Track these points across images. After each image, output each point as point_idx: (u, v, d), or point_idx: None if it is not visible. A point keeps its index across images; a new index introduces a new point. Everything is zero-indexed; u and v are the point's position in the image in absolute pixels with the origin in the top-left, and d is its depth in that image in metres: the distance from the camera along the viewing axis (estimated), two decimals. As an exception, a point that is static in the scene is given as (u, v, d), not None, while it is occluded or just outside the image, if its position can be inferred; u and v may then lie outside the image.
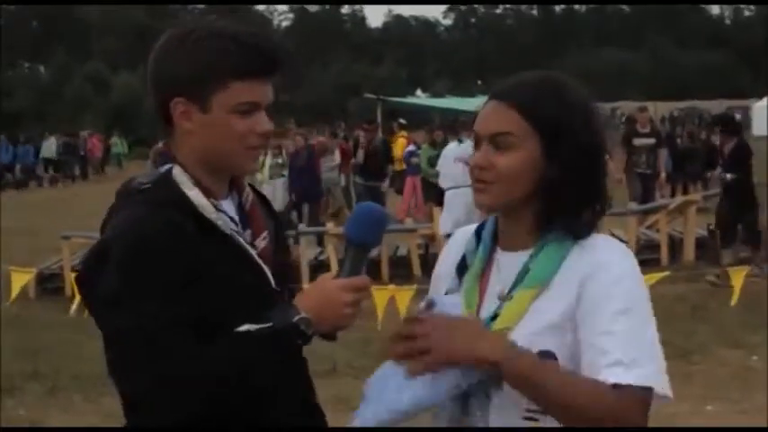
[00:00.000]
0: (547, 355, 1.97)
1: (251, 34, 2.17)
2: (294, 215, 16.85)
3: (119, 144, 44.24)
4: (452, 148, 13.71)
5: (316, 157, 17.72)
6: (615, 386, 1.91)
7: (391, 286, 9.83)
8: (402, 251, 13.54)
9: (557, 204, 2.05)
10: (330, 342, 2.23)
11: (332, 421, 6.93)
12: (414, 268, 12.89)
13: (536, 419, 2.00)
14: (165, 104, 2.15)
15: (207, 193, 2.15)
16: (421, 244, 13.57)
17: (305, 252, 12.84)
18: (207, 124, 2.14)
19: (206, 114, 2.13)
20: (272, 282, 2.21)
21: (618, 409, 1.92)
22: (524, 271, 2.06)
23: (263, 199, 2.39)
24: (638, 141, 16.37)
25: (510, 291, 2.06)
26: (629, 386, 1.92)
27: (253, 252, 2.18)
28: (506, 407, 2.01)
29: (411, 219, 16.08)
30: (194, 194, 2.13)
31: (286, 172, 18.15)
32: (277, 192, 18.25)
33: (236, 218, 2.21)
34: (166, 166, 2.17)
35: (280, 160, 18.36)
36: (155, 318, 1.98)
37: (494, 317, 2.05)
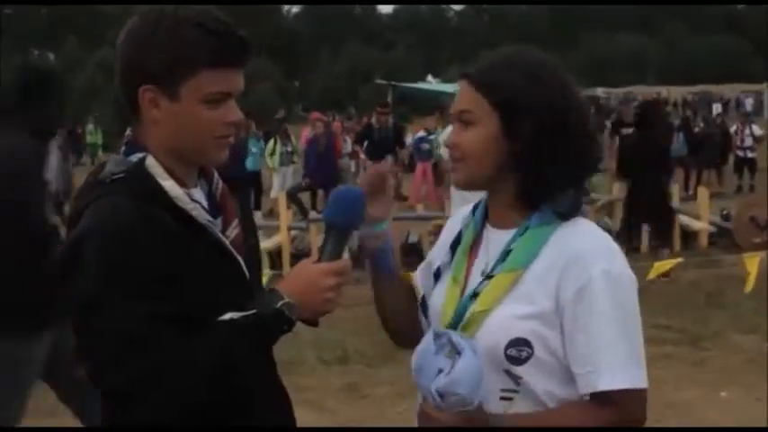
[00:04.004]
0: (521, 343, 2.00)
1: (222, 22, 2.12)
2: (301, 198, 16.80)
3: (94, 133, 39.88)
4: None
5: (335, 144, 17.61)
6: (594, 395, 2.01)
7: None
8: (413, 238, 13.49)
9: (527, 181, 2.08)
10: (313, 327, 2.22)
11: (344, 408, 6.95)
12: (425, 255, 12.83)
13: (511, 398, 2.05)
14: (132, 91, 2.10)
15: (179, 182, 2.12)
16: (432, 231, 13.51)
17: (315, 238, 12.79)
18: (175, 113, 2.09)
19: (174, 103, 2.09)
20: (246, 271, 2.20)
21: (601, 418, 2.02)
22: (506, 252, 2.09)
23: (230, 185, 2.34)
24: (624, 131, 16.54)
25: (491, 270, 2.10)
26: (604, 393, 1.99)
27: (227, 242, 2.16)
28: (484, 389, 2.05)
29: (422, 205, 16.02)
30: (170, 185, 2.09)
31: (296, 159, 18.09)
32: (287, 179, 18.25)
33: (207, 207, 2.19)
34: (138, 155, 2.12)
35: (289, 148, 18.33)
36: (138, 317, 1.93)
37: (474, 295, 2.09)
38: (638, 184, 11.33)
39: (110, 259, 1.95)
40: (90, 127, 40.41)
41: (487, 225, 2.19)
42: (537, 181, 2.07)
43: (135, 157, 2.12)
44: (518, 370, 2.01)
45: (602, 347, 1.97)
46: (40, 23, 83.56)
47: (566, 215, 2.08)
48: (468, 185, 2.16)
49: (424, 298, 2.26)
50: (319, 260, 2.16)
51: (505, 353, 2.00)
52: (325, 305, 2.12)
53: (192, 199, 2.12)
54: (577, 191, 2.11)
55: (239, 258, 2.19)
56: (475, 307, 2.07)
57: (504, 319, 2.02)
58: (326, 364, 7.86)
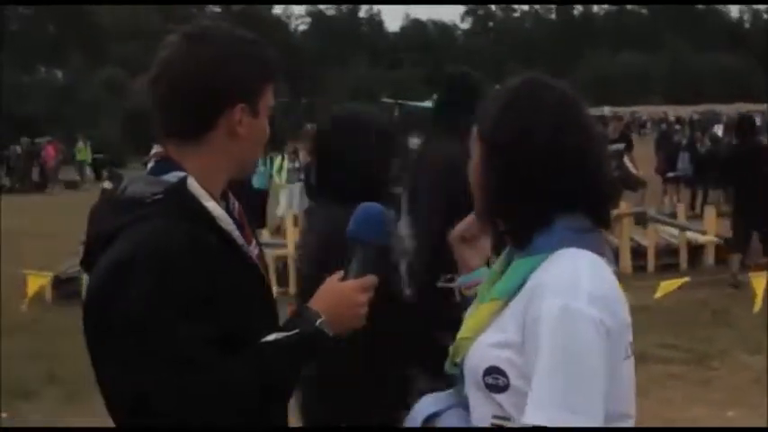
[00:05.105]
0: (496, 371, 1.97)
1: (263, 38, 2.19)
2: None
3: (83, 150, 39.66)
4: None
5: None
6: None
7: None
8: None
9: (500, 211, 2.08)
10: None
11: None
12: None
13: (502, 425, 2.01)
14: (214, 109, 2.09)
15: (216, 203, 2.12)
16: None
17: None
18: (255, 128, 2.14)
19: (255, 119, 2.14)
20: (271, 290, 2.23)
21: None
22: (498, 280, 2.09)
23: (245, 203, 2.35)
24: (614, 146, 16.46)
25: (483, 300, 2.09)
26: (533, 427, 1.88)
27: (258, 263, 2.18)
28: (474, 413, 2.05)
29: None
30: (212, 206, 2.07)
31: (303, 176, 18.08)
32: (294, 196, 18.24)
33: None
34: (175, 174, 2.08)
35: (297, 164, 18.32)
36: (188, 340, 1.91)
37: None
38: (745, 193, 11.58)
39: (159, 282, 1.91)
40: (79, 144, 40.06)
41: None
42: (509, 211, 2.05)
43: (172, 177, 2.08)
44: (498, 398, 1.98)
45: (534, 382, 1.89)
46: (45, 40, 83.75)
47: (556, 246, 2.00)
48: (475, 212, 2.18)
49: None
50: (345, 277, 2.19)
51: (484, 380, 1.99)
52: (358, 320, 2.17)
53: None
54: (572, 221, 2.02)
55: (267, 277, 2.21)
56: (461, 333, 2.08)
57: (482, 348, 2.00)
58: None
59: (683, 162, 21.27)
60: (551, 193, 2.01)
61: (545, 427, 1.84)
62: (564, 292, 1.90)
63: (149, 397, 1.93)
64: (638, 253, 13.24)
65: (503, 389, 1.97)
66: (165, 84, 2.10)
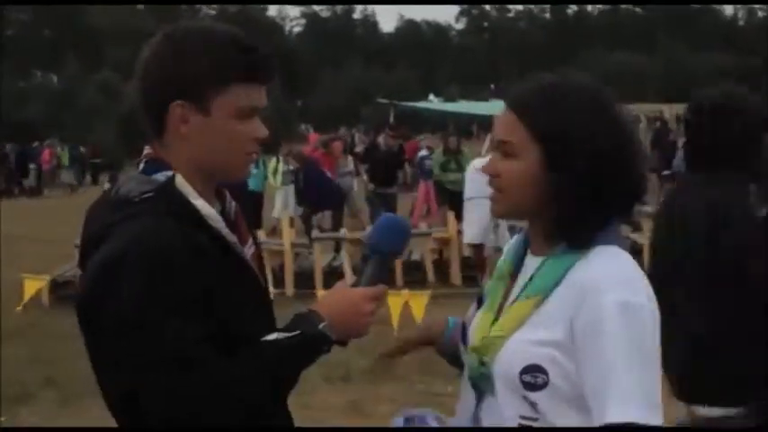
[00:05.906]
0: (536, 369, 1.96)
1: (252, 38, 2.13)
2: (315, 220, 16.81)
3: (61, 154, 39.91)
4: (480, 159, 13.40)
5: (331, 165, 17.57)
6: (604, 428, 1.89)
7: (405, 291, 9.75)
8: (416, 256, 13.48)
9: (565, 214, 2.02)
10: (342, 347, 2.21)
11: (347, 426, 6.83)
12: (428, 273, 12.83)
13: (530, 426, 2.00)
14: (162, 107, 2.07)
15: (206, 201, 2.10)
16: (435, 249, 13.51)
17: (319, 258, 12.79)
18: (206, 128, 2.07)
19: (205, 118, 2.07)
20: (269, 291, 2.22)
21: None
22: (530, 279, 2.07)
23: (241, 205, 2.33)
24: None
25: (516, 296, 2.07)
26: (612, 426, 1.88)
27: (251, 262, 2.16)
28: (501, 414, 2.03)
29: (425, 223, 16.02)
30: (201, 204, 2.06)
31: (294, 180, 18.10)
32: (289, 198, 18.24)
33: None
34: (164, 173, 2.08)
35: (291, 167, 18.32)
36: (182, 339, 1.90)
37: (496, 320, 2.08)
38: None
39: (149, 280, 1.91)
40: (57, 149, 39.98)
41: (528, 252, 2.15)
42: (576, 214, 2.01)
43: (162, 176, 2.08)
44: (534, 396, 1.97)
45: (611, 379, 1.88)
46: (41, 44, 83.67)
47: (581, 246, 2.01)
48: (506, 216, 2.15)
49: (464, 324, 2.24)
50: (356, 283, 2.18)
51: (521, 378, 1.97)
52: (364, 329, 2.15)
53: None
54: (601, 220, 2.04)
55: (260, 277, 2.20)
56: (493, 332, 2.05)
57: (520, 345, 1.98)
58: (330, 383, 7.86)
59: (679, 160, 21.29)
60: (621, 194, 2.04)
61: (636, 424, 1.85)
62: (622, 288, 1.93)
63: (141, 396, 1.93)
64: (634, 251, 13.17)
65: (540, 387, 1.96)
66: (136, 85, 2.12)
